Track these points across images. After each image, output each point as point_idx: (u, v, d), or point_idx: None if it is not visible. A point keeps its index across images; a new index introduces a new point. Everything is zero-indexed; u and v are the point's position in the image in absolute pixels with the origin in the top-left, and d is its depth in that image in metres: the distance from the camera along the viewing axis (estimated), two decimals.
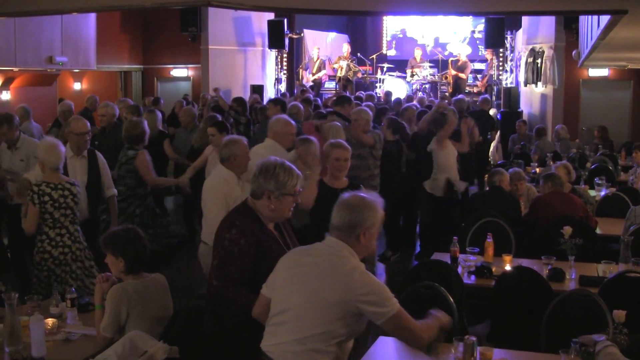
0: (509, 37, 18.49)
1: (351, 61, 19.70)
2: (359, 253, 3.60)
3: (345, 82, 19.41)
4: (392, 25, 23.43)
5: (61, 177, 5.92)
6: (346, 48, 20.25)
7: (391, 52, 23.14)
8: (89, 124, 6.94)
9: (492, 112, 17.47)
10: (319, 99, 17.27)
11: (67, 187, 5.84)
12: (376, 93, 19.22)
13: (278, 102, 10.04)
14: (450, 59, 19.50)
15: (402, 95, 17.28)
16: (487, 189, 8.28)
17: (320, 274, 3.52)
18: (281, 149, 6.91)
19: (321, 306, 3.46)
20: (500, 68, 18.88)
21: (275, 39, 18.99)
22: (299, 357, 3.46)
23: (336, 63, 20.15)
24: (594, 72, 16.78)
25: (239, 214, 4.10)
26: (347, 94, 17.85)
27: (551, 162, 10.79)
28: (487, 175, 8.38)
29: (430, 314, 3.86)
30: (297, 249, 3.81)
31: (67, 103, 11.30)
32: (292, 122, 7.25)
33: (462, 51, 19.57)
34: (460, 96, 13.03)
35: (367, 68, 20.77)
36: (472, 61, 20.28)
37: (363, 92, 16.16)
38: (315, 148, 6.52)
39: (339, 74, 19.75)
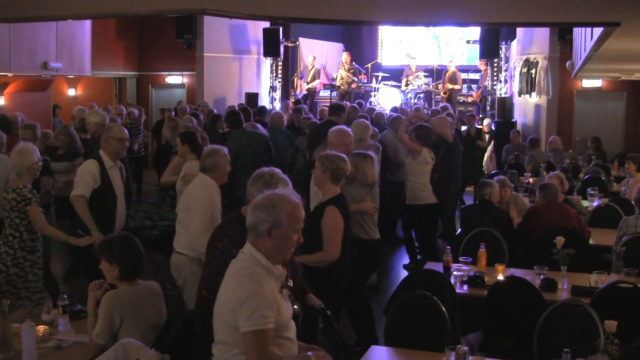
0: (503, 47, 18.55)
1: (348, 70, 19.70)
2: (270, 256, 3.41)
3: (343, 93, 19.43)
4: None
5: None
6: (345, 57, 20.22)
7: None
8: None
9: (486, 122, 17.54)
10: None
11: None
12: (370, 103, 19.27)
13: (231, 115, 10.07)
14: (446, 73, 19.53)
15: (397, 105, 17.29)
16: (477, 202, 8.27)
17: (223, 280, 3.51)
18: None
19: (215, 313, 3.47)
20: (495, 78, 18.93)
21: (270, 47, 19.01)
22: None
23: (336, 73, 20.20)
24: (587, 83, 16.82)
25: (231, 224, 4.08)
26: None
27: (544, 173, 10.83)
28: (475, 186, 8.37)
29: (306, 355, 3.54)
30: None
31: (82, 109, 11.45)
32: (348, 131, 7.04)
33: (450, 63, 19.63)
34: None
35: (362, 77, 20.79)
36: (467, 71, 20.36)
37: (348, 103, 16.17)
38: (372, 165, 6.50)
39: (337, 84, 19.77)
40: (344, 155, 5.71)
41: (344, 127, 7.26)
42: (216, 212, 5.79)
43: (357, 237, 6.31)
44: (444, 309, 4.90)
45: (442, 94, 19.32)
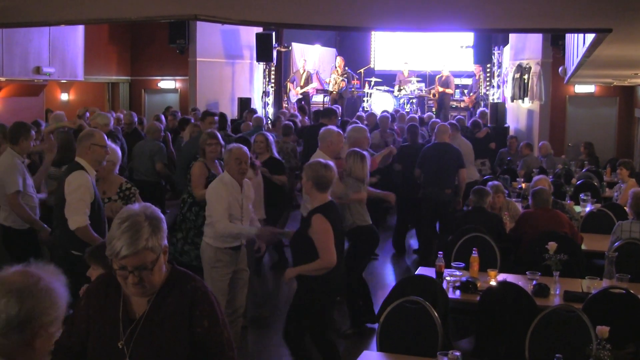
0: (496, 52, 18.59)
1: (342, 75, 19.71)
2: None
3: (336, 97, 19.45)
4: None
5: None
6: (339, 61, 20.23)
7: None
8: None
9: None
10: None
11: None
12: (363, 108, 19.31)
13: (328, 112, 10.27)
14: (438, 76, 19.57)
15: (390, 110, 17.29)
16: (470, 207, 8.28)
17: None
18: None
19: None
20: (488, 83, 18.97)
21: (263, 52, 19.01)
22: None
23: (329, 78, 20.23)
24: (580, 89, 16.87)
25: (108, 274, 3.18)
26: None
27: None
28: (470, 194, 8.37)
29: None
30: None
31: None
32: (337, 130, 7.87)
33: (445, 67, 19.65)
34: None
35: (355, 82, 20.81)
36: (459, 76, 20.38)
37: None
38: (361, 163, 7.21)
39: (330, 89, 19.79)
40: (330, 162, 5.65)
41: (332, 127, 8.11)
42: (235, 202, 6.19)
43: (358, 225, 7.12)
44: (436, 314, 4.90)
45: (431, 96, 19.37)
